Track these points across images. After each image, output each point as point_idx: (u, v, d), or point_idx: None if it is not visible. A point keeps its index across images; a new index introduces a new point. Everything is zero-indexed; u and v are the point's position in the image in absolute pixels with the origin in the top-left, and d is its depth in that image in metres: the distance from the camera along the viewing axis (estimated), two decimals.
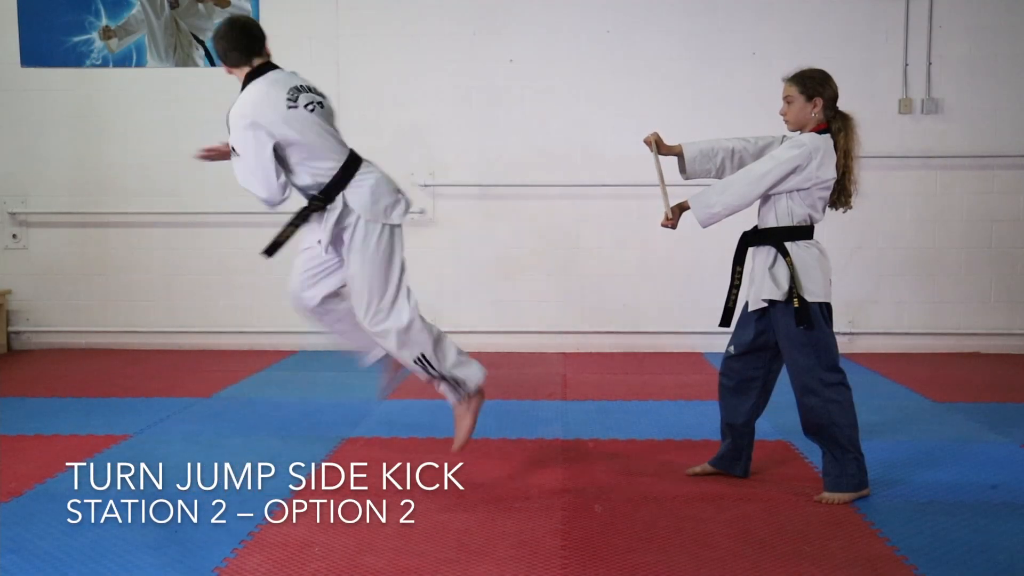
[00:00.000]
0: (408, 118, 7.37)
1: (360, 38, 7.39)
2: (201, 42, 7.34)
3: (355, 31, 7.40)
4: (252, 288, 7.53)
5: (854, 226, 6.80)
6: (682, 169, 3.95)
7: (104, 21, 7.40)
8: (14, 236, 7.56)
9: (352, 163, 3.89)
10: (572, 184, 7.36)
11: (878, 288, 7.36)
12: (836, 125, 3.71)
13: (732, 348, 3.89)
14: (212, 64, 7.31)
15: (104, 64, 7.41)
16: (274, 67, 3.92)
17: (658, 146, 3.92)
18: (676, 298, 7.39)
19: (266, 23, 7.42)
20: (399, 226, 3.95)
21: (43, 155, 7.50)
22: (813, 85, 3.69)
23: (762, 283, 3.72)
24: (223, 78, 7.58)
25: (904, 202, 7.30)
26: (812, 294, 3.65)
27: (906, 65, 7.22)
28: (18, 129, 7.50)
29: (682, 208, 3.79)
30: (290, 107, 3.78)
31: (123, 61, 7.42)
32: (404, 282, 3.94)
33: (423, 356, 3.91)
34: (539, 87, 7.36)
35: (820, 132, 3.70)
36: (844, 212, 3.83)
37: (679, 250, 7.18)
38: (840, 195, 3.75)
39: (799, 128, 3.75)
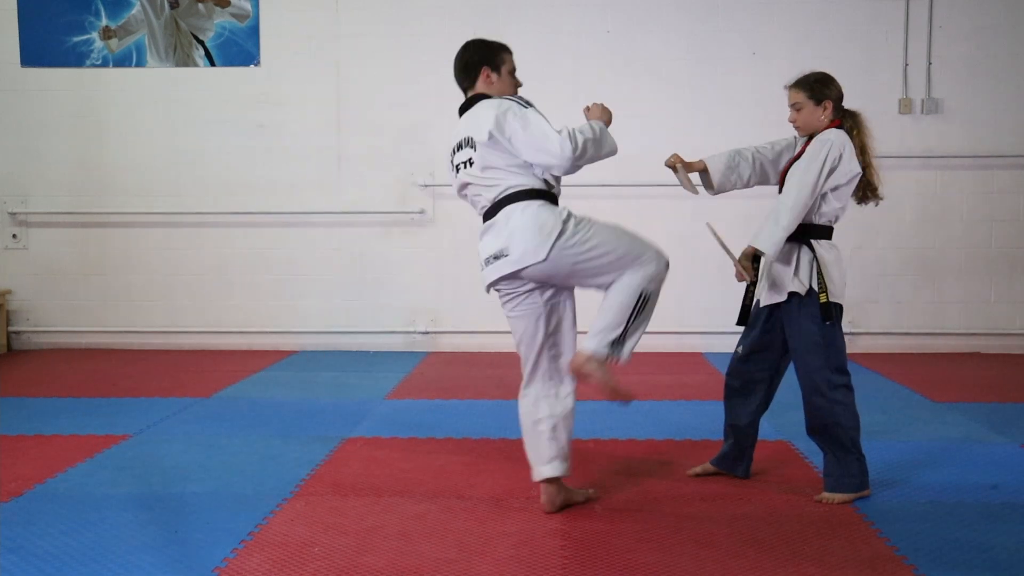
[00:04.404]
0: (408, 118, 7.36)
1: (360, 38, 7.39)
2: (201, 42, 7.33)
3: (355, 31, 7.39)
4: (252, 288, 7.53)
5: (854, 226, 6.77)
6: (708, 184, 3.87)
7: (104, 21, 7.40)
8: (14, 236, 7.56)
9: None
10: (572, 184, 7.31)
11: (878, 288, 7.36)
12: (848, 123, 3.70)
13: (740, 349, 3.88)
14: (212, 64, 7.31)
15: (104, 64, 7.41)
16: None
17: (682, 165, 3.84)
18: (676, 298, 7.36)
19: (266, 23, 7.54)
20: None
21: (43, 155, 7.50)
22: (821, 88, 3.68)
23: (783, 278, 3.70)
24: (223, 78, 7.73)
25: (904, 202, 7.28)
26: (832, 294, 3.65)
27: (906, 65, 7.22)
28: (18, 129, 7.50)
29: (755, 256, 3.70)
30: None
31: (123, 61, 7.42)
32: None
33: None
34: (539, 87, 7.33)
35: None
36: (876, 206, 3.81)
37: (679, 250, 7.14)
38: (866, 190, 3.74)
39: (810, 133, 3.73)
